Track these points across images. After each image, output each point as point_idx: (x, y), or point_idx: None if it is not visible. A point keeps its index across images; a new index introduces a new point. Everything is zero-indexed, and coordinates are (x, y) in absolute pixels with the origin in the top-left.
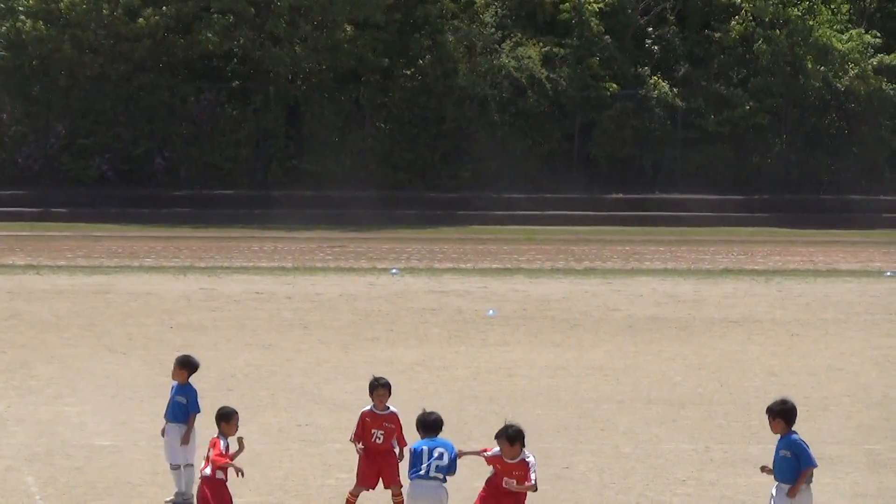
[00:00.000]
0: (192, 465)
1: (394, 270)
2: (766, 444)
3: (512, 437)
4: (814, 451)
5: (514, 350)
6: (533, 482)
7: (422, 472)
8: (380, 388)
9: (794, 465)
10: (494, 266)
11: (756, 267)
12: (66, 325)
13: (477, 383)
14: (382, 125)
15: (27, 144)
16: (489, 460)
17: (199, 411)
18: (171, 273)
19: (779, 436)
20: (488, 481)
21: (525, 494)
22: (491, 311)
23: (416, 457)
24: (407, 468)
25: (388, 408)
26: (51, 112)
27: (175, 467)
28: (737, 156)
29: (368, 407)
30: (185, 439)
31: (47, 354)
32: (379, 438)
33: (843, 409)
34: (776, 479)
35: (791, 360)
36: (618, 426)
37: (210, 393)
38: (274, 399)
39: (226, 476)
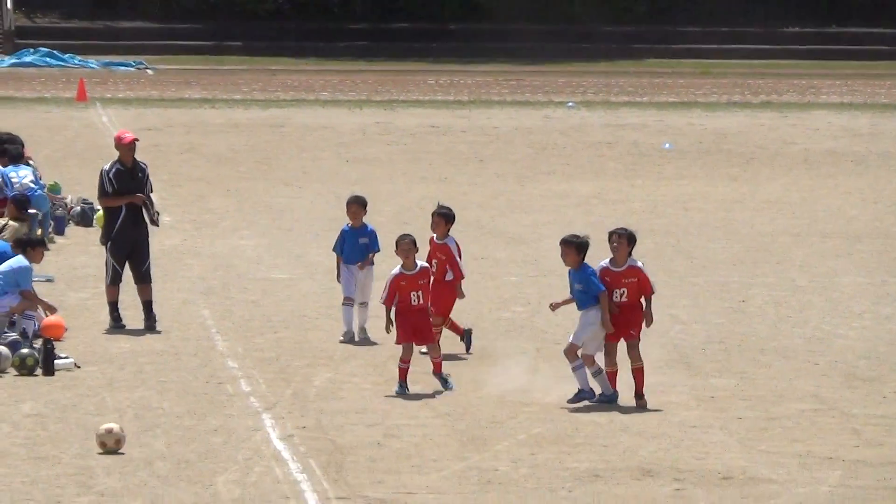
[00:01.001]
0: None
1: (570, 104)
2: None
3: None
4: None
5: (690, 183)
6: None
7: None
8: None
9: None
10: (671, 99)
11: None
12: (241, 158)
13: (653, 216)
14: None
15: None
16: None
17: (378, 250)
18: (346, 107)
19: None
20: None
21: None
22: (667, 145)
23: None
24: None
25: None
26: None
27: (349, 303)
28: None
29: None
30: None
31: (223, 188)
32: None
33: None
34: None
35: None
36: (794, 259)
37: (386, 226)
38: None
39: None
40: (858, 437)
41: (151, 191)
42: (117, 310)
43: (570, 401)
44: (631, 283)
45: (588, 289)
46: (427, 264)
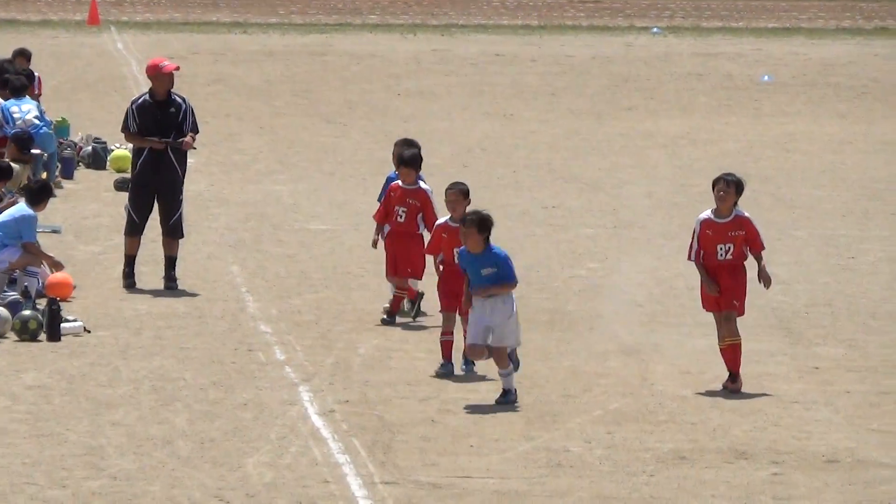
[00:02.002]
0: None
1: (655, 29)
2: None
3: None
4: None
5: (791, 122)
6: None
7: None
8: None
9: None
10: (770, 25)
11: None
12: (277, 91)
13: (749, 159)
14: None
15: None
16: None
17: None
18: (398, 32)
19: None
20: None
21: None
22: (766, 77)
23: None
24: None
25: (417, 182)
26: None
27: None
28: None
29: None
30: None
31: (255, 125)
32: (401, 217)
33: None
34: None
35: None
36: None
37: (443, 170)
38: (516, 177)
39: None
40: None
41: (196, 130)
42: (131, 265)
43: (499, 402)
44: (738, 236)
45: (502, 274)
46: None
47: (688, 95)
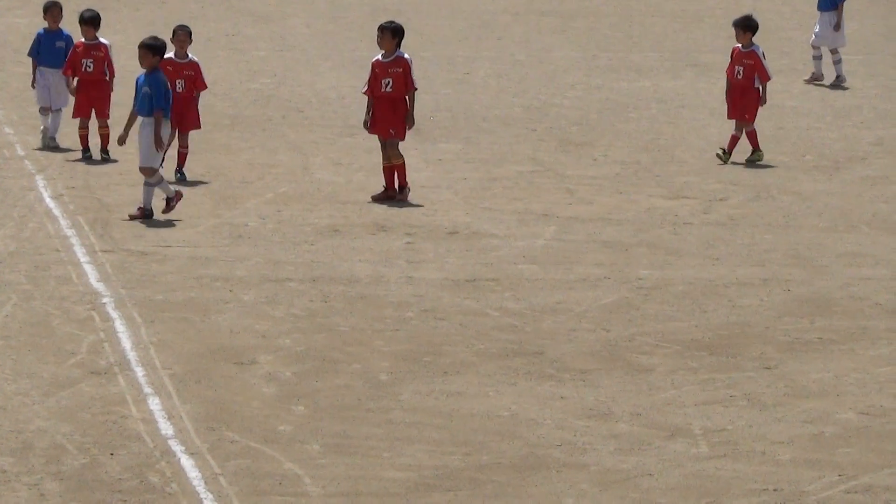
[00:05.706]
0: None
1: None
2: (647, 52)
3: (384, 27)
4: (690, 60)
5: None
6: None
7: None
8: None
9: None
10: None
11: None
12: None
13: None
14: None
15: None
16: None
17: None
18: None
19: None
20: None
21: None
22: None
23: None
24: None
25: (98, 38)
26: None
27: (46, 112)
28: None
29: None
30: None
31: None
32: (90, 67)
33: (717, 20)
34: None
35: None
36: (513, 35)
37: (144, 6)
38: (203, 10)
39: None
40: (571, 196)
41: None
42: None
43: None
44: (397, 73)
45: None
46: (196, 58)
47: None
